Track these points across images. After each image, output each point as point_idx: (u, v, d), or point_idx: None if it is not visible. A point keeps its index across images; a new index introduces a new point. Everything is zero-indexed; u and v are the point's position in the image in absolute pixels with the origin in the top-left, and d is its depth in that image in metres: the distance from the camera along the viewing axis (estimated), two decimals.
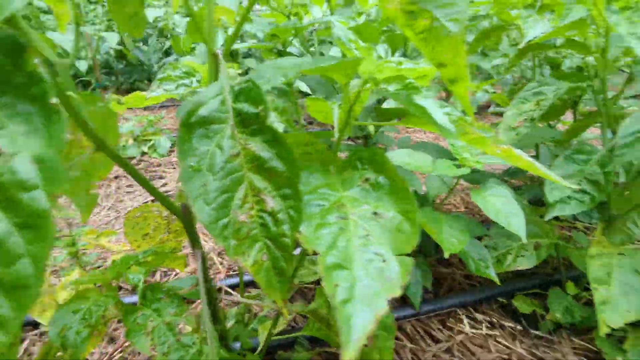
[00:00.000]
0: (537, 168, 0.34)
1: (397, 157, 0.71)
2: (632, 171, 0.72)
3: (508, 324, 0.79)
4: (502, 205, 0.59)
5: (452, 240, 0.61)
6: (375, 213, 0.28)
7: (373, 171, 0.31)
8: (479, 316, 0.81)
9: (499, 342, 0.74)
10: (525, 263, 0.78)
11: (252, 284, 0.92)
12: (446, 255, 0.58)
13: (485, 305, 0.85)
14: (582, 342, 0.72)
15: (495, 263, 0.81)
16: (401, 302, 0.84)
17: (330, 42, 1.00)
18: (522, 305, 0.82)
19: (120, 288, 0.91)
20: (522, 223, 0.56)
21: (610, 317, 0.57)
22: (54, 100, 0.22)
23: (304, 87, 0.89)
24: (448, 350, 0.73)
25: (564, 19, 0.63)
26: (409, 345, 0.74)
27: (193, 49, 1.57)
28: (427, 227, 0.48)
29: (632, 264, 0.62)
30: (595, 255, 0.64)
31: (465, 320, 0.79)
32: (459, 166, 0.65)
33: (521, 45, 0.69)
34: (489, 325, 0.78)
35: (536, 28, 0.67)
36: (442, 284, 0.92)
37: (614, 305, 0.58)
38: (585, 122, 0.86)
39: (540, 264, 0.92)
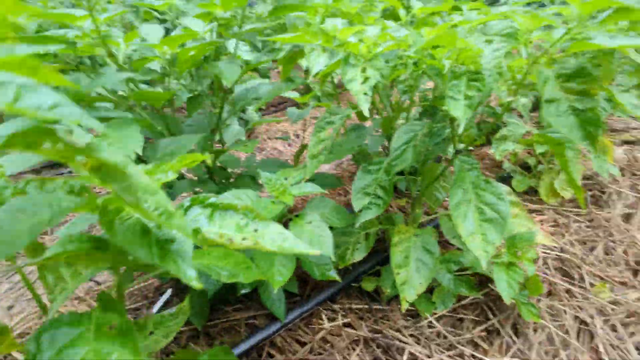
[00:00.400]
0: (291, 251, 0.40)
1: (224, 198, 0.74)
2: (423, 161, 0.90)
3: (357, 306, 0.94)
4: (314, 232, 0.68)
5: (282, 270, 0.68)
6: None
7: (116, 314, 0.33)
8: (336, 307, 0.94)
9: (350, 327, 0.88)
10: (360, 254, 0.92)
11: None
12: (275, 291, 0.64)
13: (345, 294, 0.99)
14: (408, 307, 0.91)
15: (340, 260, 0.93)
16: (270, 318, 0.91)
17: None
18: (368, 285, 0.98)
19: None
20: (330, 246, 0.67)
21: (408, 294, 0.73)
22: None
23: None
24: (312, 350, 0.84)
25: (335, 58, 0.72)
26: (280, 357, 0.83)
27: None
28: (256, 276, 0.53)
29: (423, 243, 0.80)
30: (397, 243, 0.80)
31: (324, 315, 0.92)
32: (277, 202, 0.71)
33: (311, 77, 0.76)
34: (343, 314, 0.92)
35: (319, 62, 0.75)
36: (307, 284, 1.03)
37: (411, 283, 0.74)
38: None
39: (381, 243, 1.11)
